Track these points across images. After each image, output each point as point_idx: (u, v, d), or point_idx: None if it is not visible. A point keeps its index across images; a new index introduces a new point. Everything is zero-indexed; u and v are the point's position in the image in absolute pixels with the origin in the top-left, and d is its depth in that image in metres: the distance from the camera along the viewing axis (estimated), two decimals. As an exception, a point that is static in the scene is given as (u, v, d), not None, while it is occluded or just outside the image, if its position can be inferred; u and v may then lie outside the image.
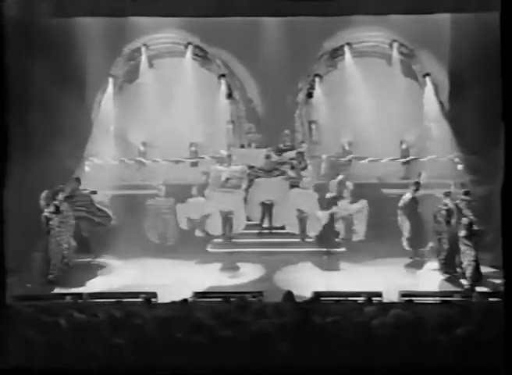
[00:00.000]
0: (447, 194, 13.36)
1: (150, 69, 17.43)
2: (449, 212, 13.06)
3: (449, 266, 12.90)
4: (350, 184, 14.93)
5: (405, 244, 14.14)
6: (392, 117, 16.45)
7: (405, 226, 14.17)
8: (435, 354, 8.16)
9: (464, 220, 12.34)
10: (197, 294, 10.81)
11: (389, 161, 16.53)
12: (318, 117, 17.29)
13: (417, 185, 14.45)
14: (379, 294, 10.46)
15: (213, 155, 16.29)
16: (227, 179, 15.33)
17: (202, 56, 17.33)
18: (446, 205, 13.15)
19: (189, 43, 17.22)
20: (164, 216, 14.96)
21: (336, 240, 14.75)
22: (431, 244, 13.82)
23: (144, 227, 15.00)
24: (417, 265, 13.79)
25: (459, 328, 8.38)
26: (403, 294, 10.64)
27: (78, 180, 14.63)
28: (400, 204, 14.25)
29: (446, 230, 13.05)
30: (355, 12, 14.95)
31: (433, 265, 13.43)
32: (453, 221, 12.88)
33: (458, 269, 12.65)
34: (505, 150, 8.21)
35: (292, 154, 15.72)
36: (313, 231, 14.83)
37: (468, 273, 12.19)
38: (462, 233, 12.22)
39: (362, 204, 14.74)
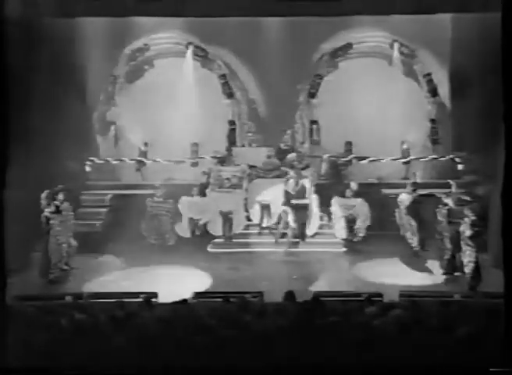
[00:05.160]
0: (448, 194, 13.37)
1: (151, 69, 17.47)
2: (449, 211, 13.06)
3: (450, 265, 12.89)
4: (354, 185, 14.91)
5: (415, 244, 14.14)
6: (393, 117, 16.47)
7: (413, 226, 14.17)
8: (435, 354, 8.16)
9: (468, 220, 12.31)
10: (197, 294, 10.79)
11: (390, 161, 16.54)
12: (319, 117, 17.32)
13: (416, 185, 14.50)
14: (379, 294, 10.45)
15: (213, 155, 16.29)
16: (227, 179, 15.34)
17: (203, 56, 17.37)
18: (446, 204, 13.15)
19: (190, 43, 17.28)
20: (162, 216, 14.93)
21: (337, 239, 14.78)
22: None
23: (143, 227, 14.98)
24: (417, 264, 13.77)
25: (459, 328, 8.38)
26: (403, 294, 10.62)
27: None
28: (404, 205, 14.25)
29: (448, 230, 13.05)
30: (356, 13, 14.96)
31: (434, 264, 13.41)
32: (454, 221, 12.88)
33: (459, 269, 12.63)
34: (505, 150, 8.21)
35: (293, 157, 15.70)
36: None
37: (469, 273, 12.18)
38: (467, 233, 12.19)
39: (356, 202, 14.71)
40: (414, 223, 14.21)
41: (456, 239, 12.63)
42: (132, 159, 16.88)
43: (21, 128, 12.43)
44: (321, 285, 12.34)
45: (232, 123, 17.42)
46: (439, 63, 17.00)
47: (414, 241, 14.18)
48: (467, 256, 12.19)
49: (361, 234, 14.66)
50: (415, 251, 14.16)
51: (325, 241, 14.84)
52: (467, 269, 12.18)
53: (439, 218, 13.33)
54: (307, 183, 14.92)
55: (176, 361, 8.19)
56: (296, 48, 16.74)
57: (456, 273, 12.74)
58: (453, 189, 13.69)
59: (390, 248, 14.34)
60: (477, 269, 12.13)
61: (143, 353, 8.21)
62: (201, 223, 15.04)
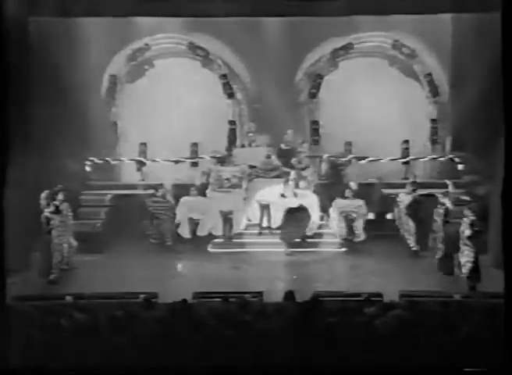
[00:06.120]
0: (445, 194, 13.37)
1: (151, 69, 17.45)
2: (446, 211, 13.06)
3: (448, 265, 12.89)
4: (354, 185, 14.91)
5: (413, 244, 14.15)
6: (393, 117, 16.46)
7: (410, 226, 14.19)
8: (435, 354, 8.16)
9: (467, 220, 12.31)
10: (197, 294, 10.80)
11: (389, 161, 16.53)
12: (319, 117, 17.31)
13: (415, 185, 14.51)
14: (379, 294, 10.45)
15: (213, 154, 16.29)
16: (227, 179, 15.34)
17: (203, 56, 17.34)
18: (443, 204, 13.15)
19: (190, 43, 17.25)
20: (162, 216, 14.91)
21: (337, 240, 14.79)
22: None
23: (143, 227, 14.97)
24: (417, 264, 13.77)
25: (459, 328, 8.38)
26: (403, 294, 10.62)
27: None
28: (403, 205, 14.28)
29: (443, 230, 13.05)
30: (357, 13, 14.96)
31: (433, 264, 13.41)
32: (451, 220, 12.89)
33: (457, 269, 12.63)
34: (505, 150, 8.22)
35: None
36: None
37: (467, 273, 12.19)
38: (466, 233, 12.20)
39: (358, 203, 14.68)
40: (411, 223, 14.23)
41: (454, 239, 12.63)
42: (132, 159, 16.86)
43: (21, 128, 12.45)
44: (320, 285, 12.32)
45: (232, 123, 17.40)
46: (439, 63, 16.98)
47: (411, 241, 14.20)
48: (465, 256, 12.20)
49: (362, 237, 14.60)
50: (414, 251, 14.17)
51: (325, 240, 14.84)
52: (465, 269, 12.20)
53: (435, 217, 13.35)
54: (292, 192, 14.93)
55: (176, 361, 8.20)
56: (297, 48, 16.73)
57: (454, 273, 12.74)
58: (450, 189, 13.71)
59: (390, 248, 14.35)
60: (475, 269, 12.13)
61: (143, 353, 8.22)
62: (201, 232, 15.07)
